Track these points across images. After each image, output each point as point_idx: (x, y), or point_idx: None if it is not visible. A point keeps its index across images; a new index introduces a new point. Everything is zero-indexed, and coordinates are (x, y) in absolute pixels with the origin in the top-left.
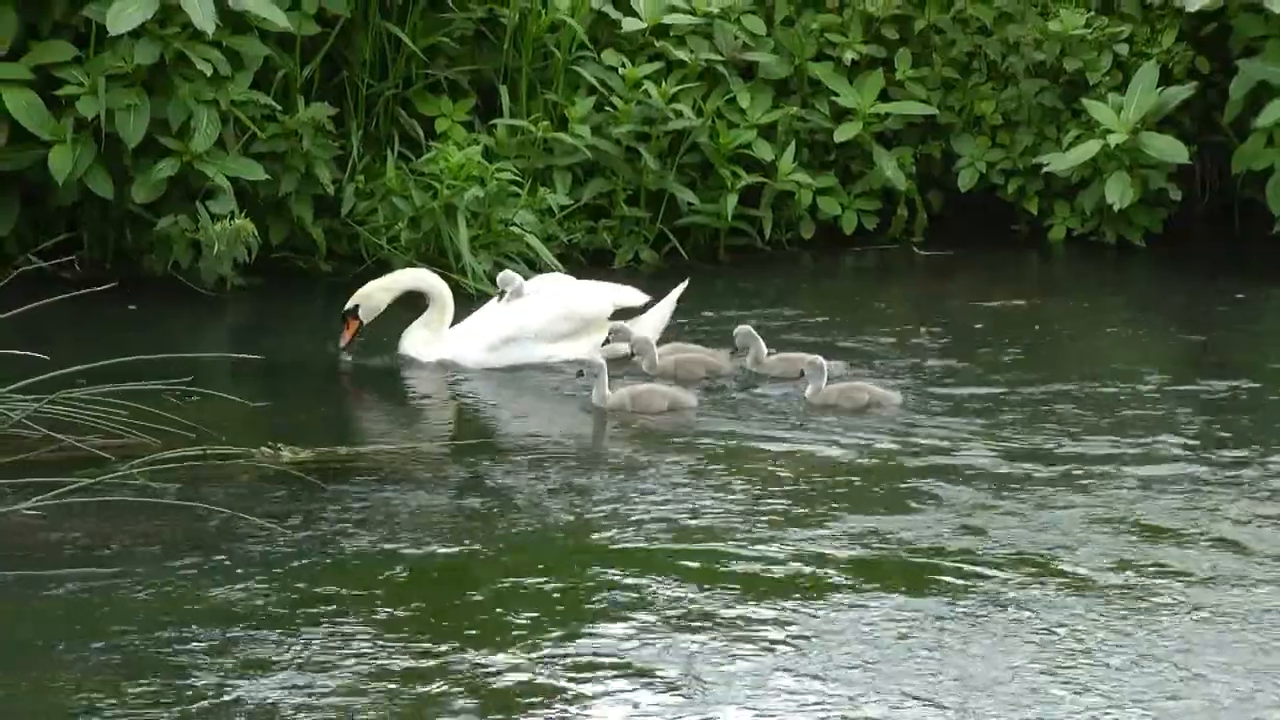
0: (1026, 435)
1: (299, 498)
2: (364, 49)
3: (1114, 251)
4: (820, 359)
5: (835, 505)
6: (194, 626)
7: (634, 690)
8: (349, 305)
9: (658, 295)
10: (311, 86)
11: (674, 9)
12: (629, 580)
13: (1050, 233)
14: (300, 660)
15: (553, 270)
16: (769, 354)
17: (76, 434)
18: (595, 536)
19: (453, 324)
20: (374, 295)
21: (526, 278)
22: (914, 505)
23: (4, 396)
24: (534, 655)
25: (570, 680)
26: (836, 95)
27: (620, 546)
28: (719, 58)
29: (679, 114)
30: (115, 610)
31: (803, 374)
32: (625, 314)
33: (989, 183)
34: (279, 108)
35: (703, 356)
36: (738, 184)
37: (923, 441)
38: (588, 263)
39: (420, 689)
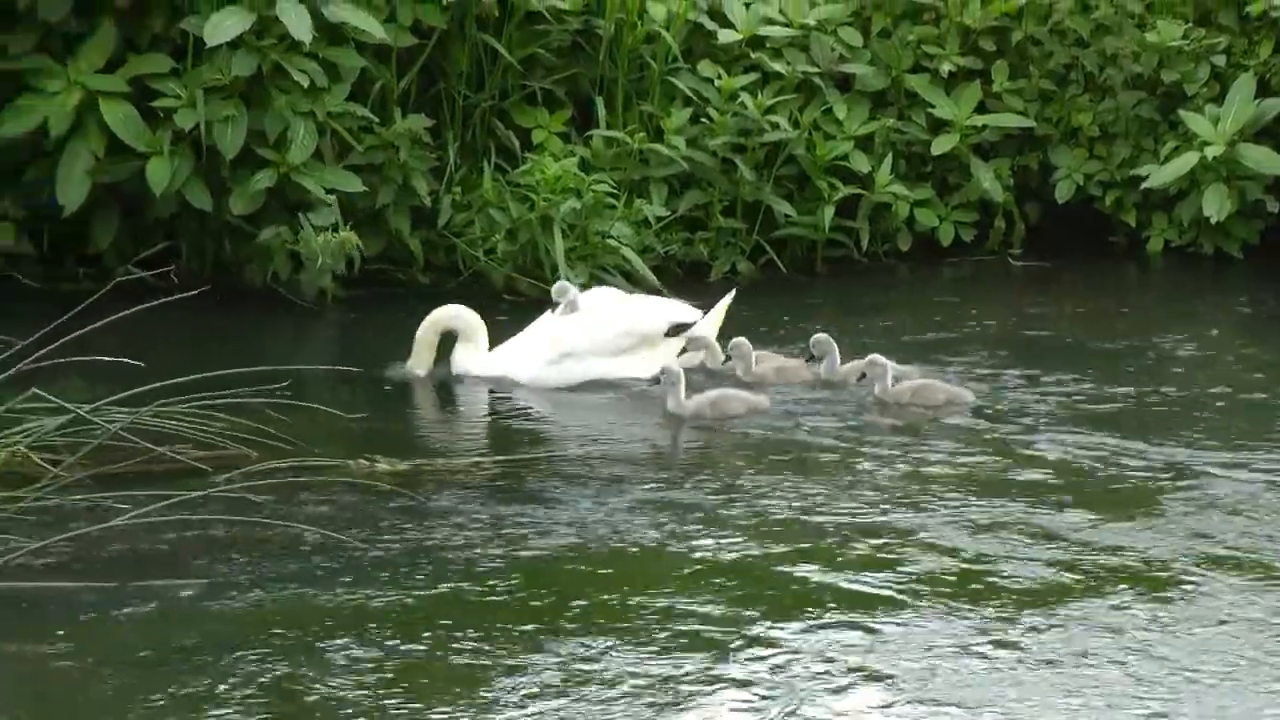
0: (1142, 441)
1: (394, 509)
2: (460, 60)
3: (1211, 263)
4: (882, 358)
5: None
6: (292, 635)
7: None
8: (410, 370)
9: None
10: (408, 98)
11: (770, 21)
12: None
13: (1148, 244)
14: (396, 669)
15: (648, 282)
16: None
17: (174, 445)
18: (706, 546)
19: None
20: (420, 353)
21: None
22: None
23: (103, 408)
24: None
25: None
26: (933, 107)
27: (727, 558)
28: (815, 69)
29: (775, 126)
30: (214, 620)
31: (864, 376)
32: (679, 330)
33: (1086, 194)
34: (376, 119)
35: (800, 365)
36: (834, 196)
37: (1023, 452)
38: (684, 275)
39: (520, 698)
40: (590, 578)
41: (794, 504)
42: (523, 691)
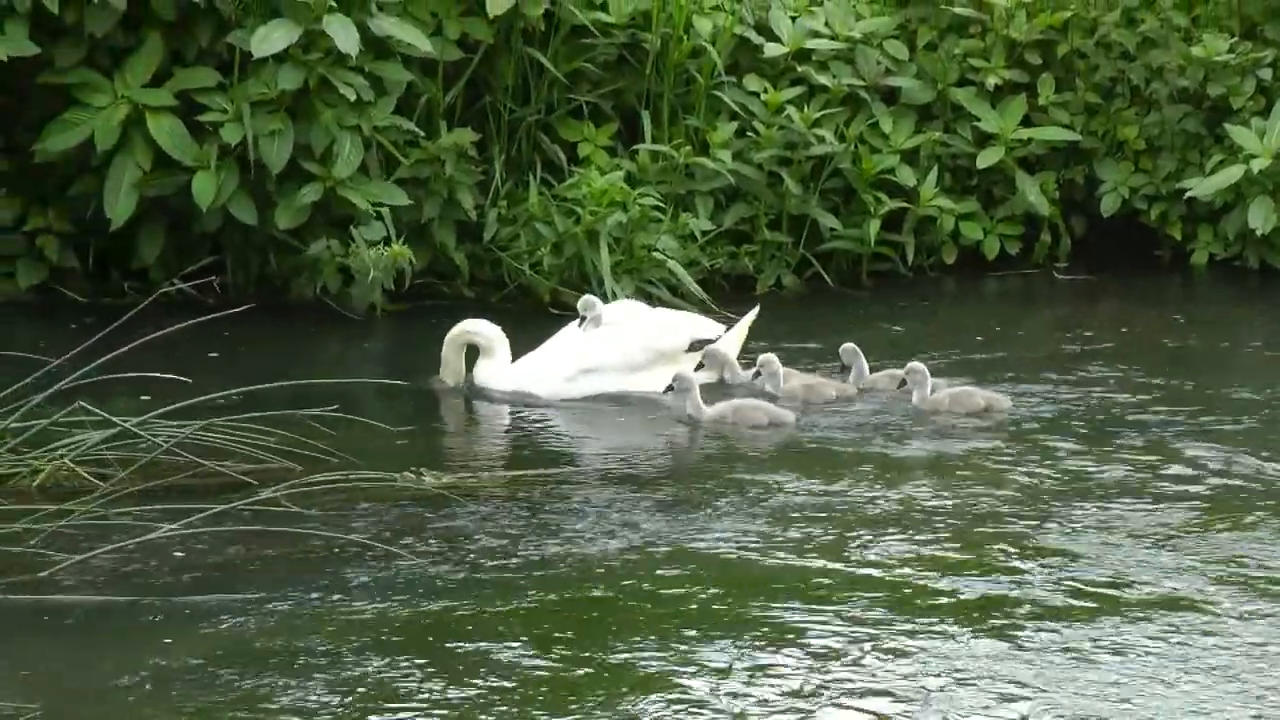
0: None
1: (441, 522)
2: (506, 74)
3: (1257, 276)
4: (921, 365)
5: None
6: (341, 648)
7: None
8: (441, 380)
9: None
10: (454, 112)
11: (816, 34)
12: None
13: (1193, 257)
14: (442, 684)
15: (695, 296)
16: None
17: (221, 459)
18: (753, 554)
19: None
20: (448, 365)
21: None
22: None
23: (149, 422)
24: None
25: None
26: (979, 120)
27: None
28: (861, 83)
29: (821, 139)
30: (260, 634)
31: (904, 383)
32: (701, 345)
33: (1132, 208)
34: (422, 133)
35: (827, 382)
36: (880, 209)
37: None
38: (729, 288)
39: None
40: (650, 592)
41: (888, 503)
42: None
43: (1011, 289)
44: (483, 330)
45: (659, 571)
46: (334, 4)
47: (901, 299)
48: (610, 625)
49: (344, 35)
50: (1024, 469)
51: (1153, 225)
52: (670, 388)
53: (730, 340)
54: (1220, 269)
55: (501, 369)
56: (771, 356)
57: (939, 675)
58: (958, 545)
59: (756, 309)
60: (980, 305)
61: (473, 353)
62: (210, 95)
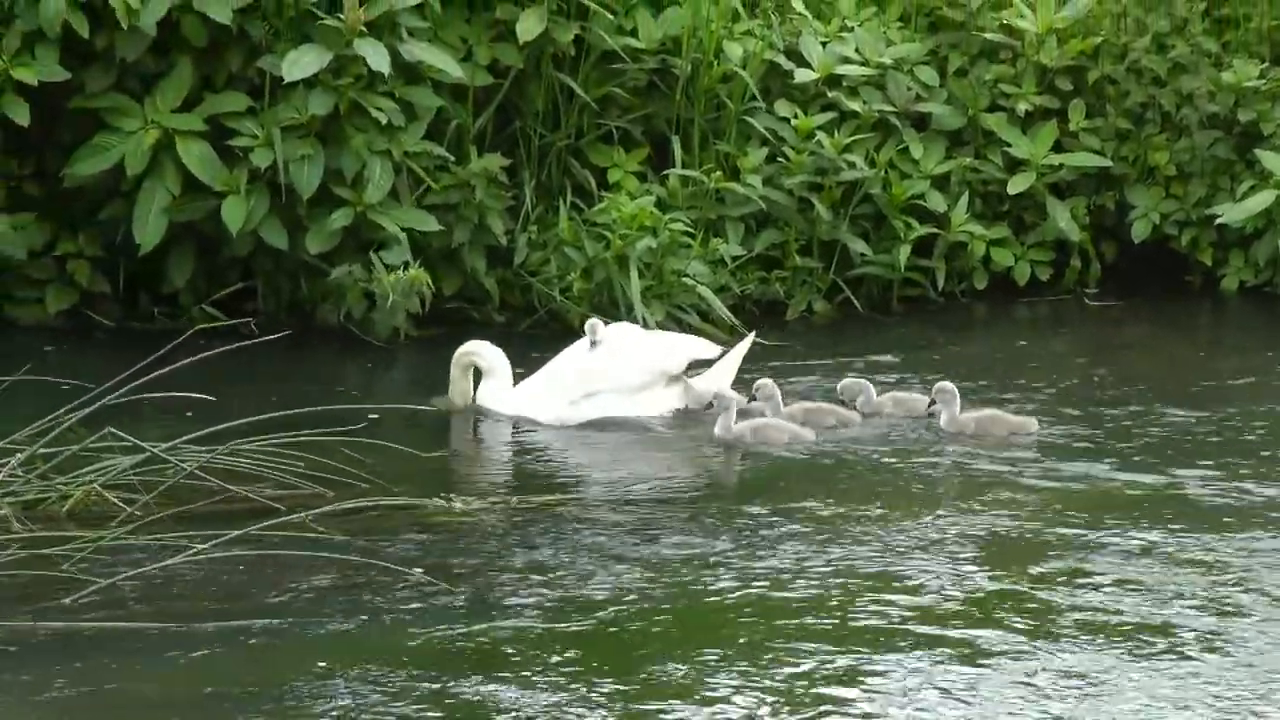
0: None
1: (471, 548)
2: (537, 100)
3: None
4: (949, 385)
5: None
6: (371, 674)
7: None
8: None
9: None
10: (484, 137)
11: (847, 60)
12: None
13: (1223, 283)
14: (486, 710)
15: (726, 322)
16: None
17: (249, 485)
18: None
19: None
20: (455, 386)
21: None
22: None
23: (179, 447)
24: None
25: None
26: (1010, 146)
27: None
28: (892, 108)
29: (852, 165)
30: (286, 657)
31: (933, 403)
32: (698, 366)
33: (1162, 233)
34: (452, 158)
35: (827, 407)
36: (911, 235)
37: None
38: (760, 313)
39: None
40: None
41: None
42: None
43: (1042, 315)
44: (483, 353)
45: (706, 598)
46: (364, 29)
47: (932, 324)
48: (653, 650)
49: (376, 57)
50: (1054, 493)
51: (1183, 251)
52: (710, 405)
53: (725, 371)
54: (1251, 295)
55: (503, 392)
56: (766, 381)
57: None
58: (994, 570)
59: (752, 336)
60: (1011, 331)
61: (479, 374)
62: (240, 120)
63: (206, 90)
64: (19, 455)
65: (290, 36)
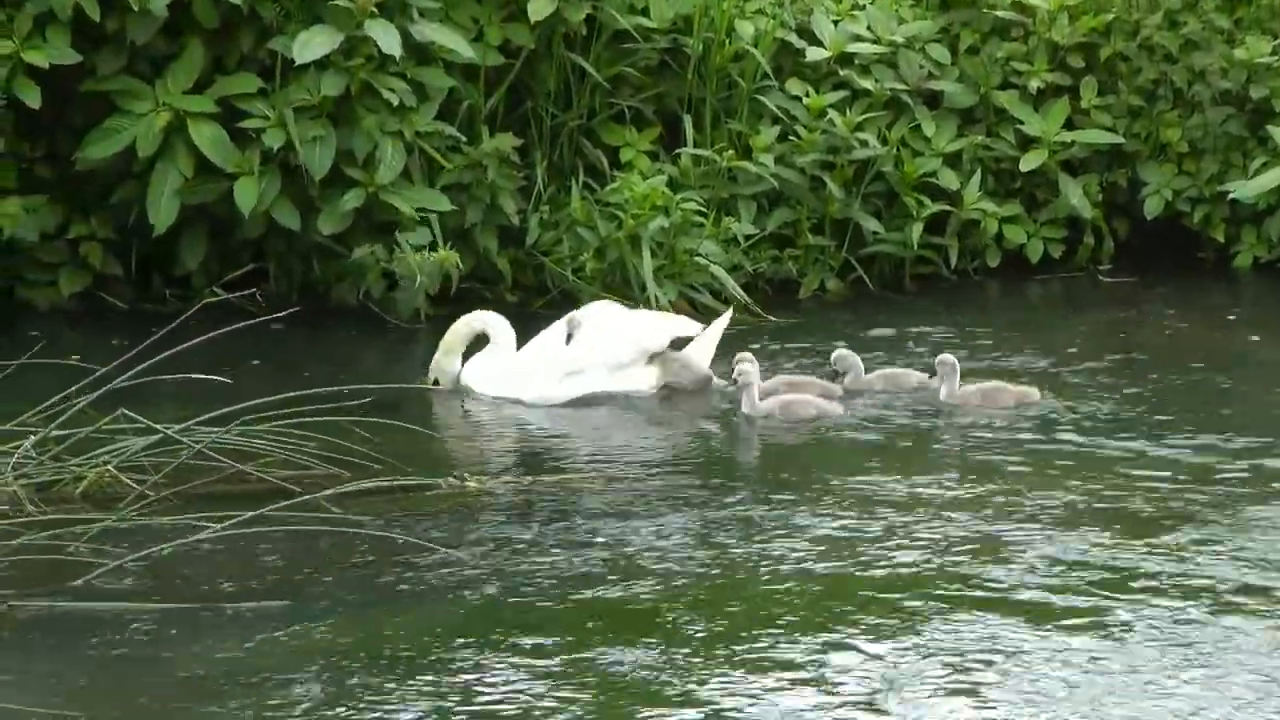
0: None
1: (485, 527)
2: (548, 79)
3: None
4: (950, 357)
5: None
6: (386, 654)
7: None
8: (432, 382)
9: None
10: (496, 117)
11: (858, 38)
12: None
13: (1236, 260)
14: (497, 694)
15: (738, 300)
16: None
17: (263, 465)
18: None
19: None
20: (442, 363)
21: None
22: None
23: (192, 429)
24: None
25: None
26: (1022, 123)
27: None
28: (904, 86)
29: (864, 143)
30: (299, 639)
31: (933, 373)
32: (680, 344)
33: (1175, 210)
34: (464, 139)
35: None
36: (923, 212)
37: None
38: (773, 292)
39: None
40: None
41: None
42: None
43: (1055, 292)
44: (493, 322)
45: (737, 574)
46: (375, 10)
47: (945, 302)
48: (677, 624)
49: (387, 38)
50: (1081, 472)
51: (1196, 228)
52: (734, 381)
53: (703, 346)
54: (1264, 271)
55: (489, 369)
56: (746, 356)
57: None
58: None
59: (729, 313)
60: (1025, 308)
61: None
62: (252, 101)
63: (217, 72)
64: (32, 437)
65: (301, 18)
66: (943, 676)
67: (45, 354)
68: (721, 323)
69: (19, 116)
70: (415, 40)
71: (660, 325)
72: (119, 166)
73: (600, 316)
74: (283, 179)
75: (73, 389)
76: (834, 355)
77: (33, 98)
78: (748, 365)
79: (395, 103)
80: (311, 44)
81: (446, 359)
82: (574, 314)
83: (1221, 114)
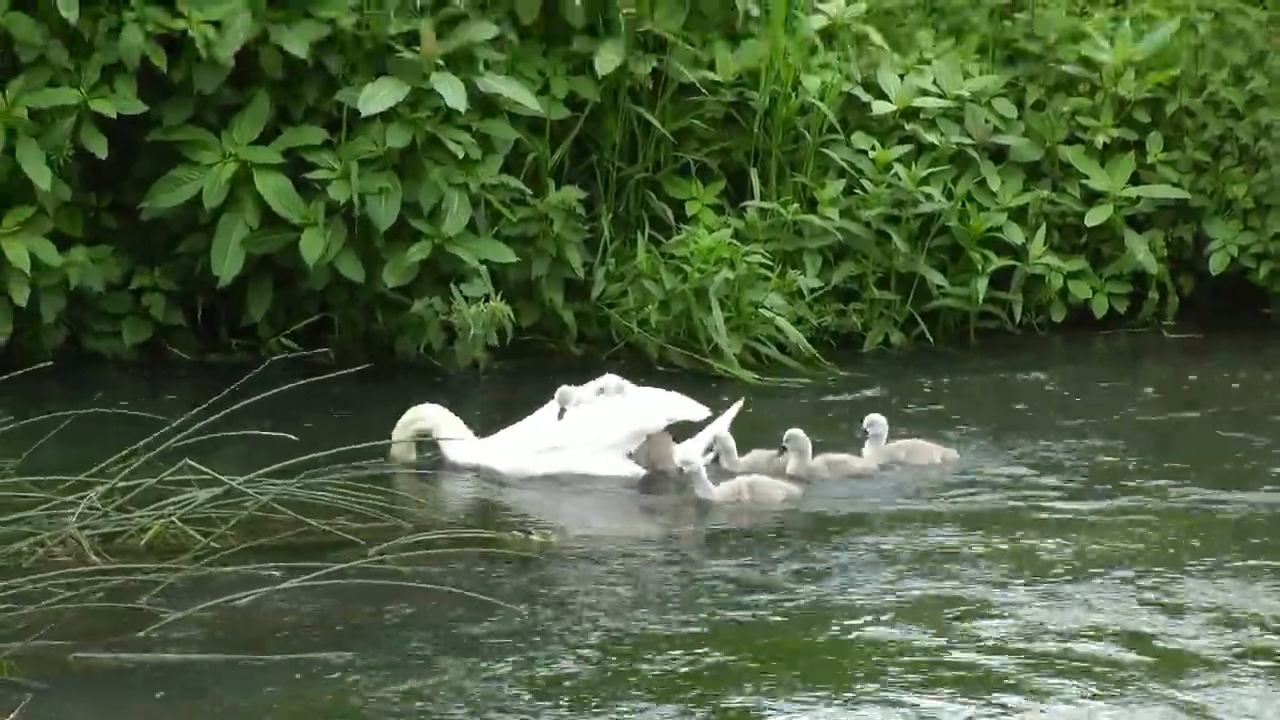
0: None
1: (548, 580)
2: (614, 132)
3: None
4: (799, 431)
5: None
6: (450, 709)
7: None
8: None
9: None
10: (561, 170)
11: (924, 92)
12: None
13: None
14: None
15: (804, 354)
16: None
17: (326, 517)
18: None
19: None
20: (396, 449)
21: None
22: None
23: (256, 480)
24: None
25: None
26: (1087, 178)
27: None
28: (969, 141)
29: (929, 197)
30: (363, 692)
31: (783, 450)
32: (682, 427)
33: (1240, 266)
34: (529, 191)
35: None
36: (988, 267)
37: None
38: (837, 346)
39: None
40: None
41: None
42: None
43: (1120, 347)
44: (429, 415)
45: (797, 632)
46: (441, 63)
47: (1009, 357)
48: (739, 682)
49: (452, 93)
50: (1146, 525)
51: (1261, 284)
52: (710, 449)
53: (704, 443)
54: None
55: (464, 445)
56: (724, 435)
57: None
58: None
59: (739, 404)
60: (1090, 363)
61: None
62: (318, 153)
63: (284, 123)
64: (98, 488)
65: (367, 70)
66: None
67: (109, 404)
68: (731, 413)
69: (86, 166)
70: (481, 93)
71: (658, 406)
72: (185, 217)
73: (601, 396)
74: (348, 231)
75: (140, 444)
76: (788, 435)
77: (100, 147)
78: (697, 456)
79: (461, 155)
80: (377, 96)
81: (399, 449)
82: (565, 388)
83: None
